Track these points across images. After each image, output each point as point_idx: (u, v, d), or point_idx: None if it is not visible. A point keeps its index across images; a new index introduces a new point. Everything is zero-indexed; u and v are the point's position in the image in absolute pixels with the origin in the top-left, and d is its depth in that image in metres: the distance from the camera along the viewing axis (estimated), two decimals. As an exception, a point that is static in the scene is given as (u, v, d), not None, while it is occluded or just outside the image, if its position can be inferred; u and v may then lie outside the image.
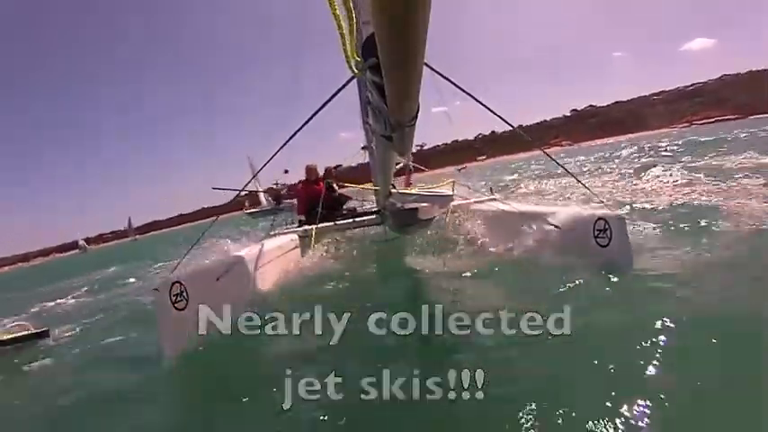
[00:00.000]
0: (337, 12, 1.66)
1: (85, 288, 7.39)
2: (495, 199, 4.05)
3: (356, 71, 1.70)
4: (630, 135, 53.27)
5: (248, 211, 18.31)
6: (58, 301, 6.59)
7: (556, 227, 2.52)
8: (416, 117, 1.86)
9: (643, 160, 11.87)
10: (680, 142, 13.22)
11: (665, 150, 12.95)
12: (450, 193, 3.99)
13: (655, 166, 8.19)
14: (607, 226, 2.10)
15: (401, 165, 4.70)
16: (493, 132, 78.68)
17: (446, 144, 71.99)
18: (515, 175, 15.16)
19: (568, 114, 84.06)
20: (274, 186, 18.64)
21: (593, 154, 19.43)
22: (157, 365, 2.24)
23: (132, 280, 7.37)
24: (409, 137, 2.17)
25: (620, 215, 2.09)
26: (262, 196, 19.26)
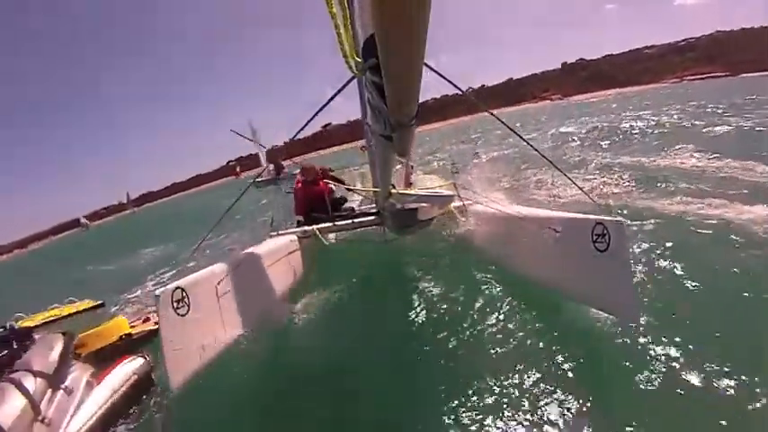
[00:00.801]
0: (335, 11, 1.64)
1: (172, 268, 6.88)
2: (494, 200, 4.05)
3: (356, 71, 1.68)
4: (618, 90, 53.66)
5: (257, 180, 19.06)
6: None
7: (555, 230, 2.50)
8: (416, 117, 1.85)
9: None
10: (639, 125, 12.36)
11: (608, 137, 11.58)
12: (451, 193, 3.96)
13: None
14: (605, 231, 2.08)
15: (401, 165, 4.67)
16: (483, 86, 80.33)
17: (435, 99, 70.97)
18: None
19: (559, 67, 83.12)
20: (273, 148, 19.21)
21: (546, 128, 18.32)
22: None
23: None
24: (409, 137, 2.15)
25: (619, 220, 2.07)
26: (262, 159, 19.93)
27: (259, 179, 19.10)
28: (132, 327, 3.76)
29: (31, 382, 2.45)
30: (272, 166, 18.07)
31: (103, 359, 3.17)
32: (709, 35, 69.02)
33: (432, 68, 1.73)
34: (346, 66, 1.68)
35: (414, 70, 1.49)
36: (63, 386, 2.62)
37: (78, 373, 2.77)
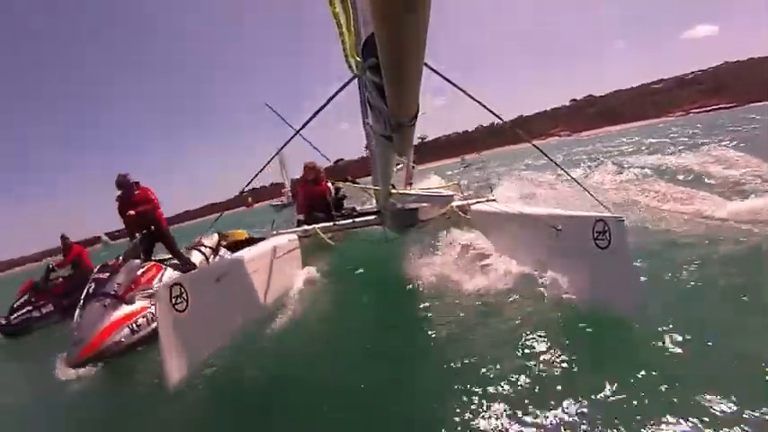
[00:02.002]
0: (337, 10, 1.64)
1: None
2: (494, 200, 4.03)
3: (356, 71, 1.68)
4: (622, 126, 56.20)
5: (273, 203, 21.68)
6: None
7: (556, 228, 2.49)
8: (416, 117, 1.85)
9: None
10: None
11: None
12: (451, 193, 3.96)
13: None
14: (606, 228, 2.07)
15: (401, 165, 4.68)
16: (493, 124, 79.51)
17: (447, 136, 71.61)
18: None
19: (568, 104, 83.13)
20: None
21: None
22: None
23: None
24: (409, 137, 2.15)
25: (620, 217, 2.06)
26: (287, 185, 23.42)
27: (277, 203, 21.14)
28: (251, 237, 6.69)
29: (205, 251, 5.66)
30: (290, 193, 20.79)
31: (235, 247, 5.75)
32: (717, 67, 69.26)
33: (432, 69, 1.73)
34: (347, 65, 1.68)
35: (414, 70, 1.48)
36: (219, 255, 5.83)
37: (224, 251, 5.96)
